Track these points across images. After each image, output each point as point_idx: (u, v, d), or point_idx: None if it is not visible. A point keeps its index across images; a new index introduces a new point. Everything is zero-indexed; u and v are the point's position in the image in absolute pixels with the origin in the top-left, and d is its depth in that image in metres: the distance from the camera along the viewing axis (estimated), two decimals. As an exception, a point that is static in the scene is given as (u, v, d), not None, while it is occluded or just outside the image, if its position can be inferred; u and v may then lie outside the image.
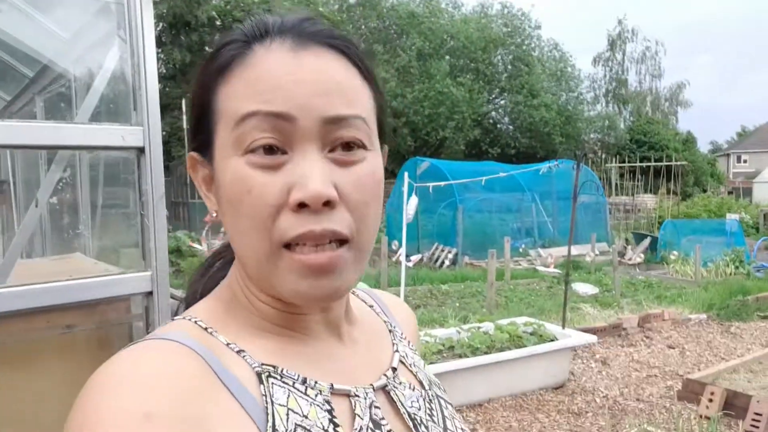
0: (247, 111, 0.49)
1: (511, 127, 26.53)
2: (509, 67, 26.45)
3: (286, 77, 0.50)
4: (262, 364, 0.52)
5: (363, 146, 0.53)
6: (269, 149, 0.50)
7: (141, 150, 1.26)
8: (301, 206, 0.49)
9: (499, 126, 27.08)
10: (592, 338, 5.19)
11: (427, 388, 0.64)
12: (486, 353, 4.51)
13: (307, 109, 0.49)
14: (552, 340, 4.90)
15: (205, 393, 0.47)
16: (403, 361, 0.64)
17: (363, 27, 25.33)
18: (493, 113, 27.16)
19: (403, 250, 4.80)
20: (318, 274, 0.50)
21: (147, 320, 1.29)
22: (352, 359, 0.59)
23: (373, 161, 0.54)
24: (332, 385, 0.54)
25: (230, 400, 0.48)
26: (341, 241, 0.51)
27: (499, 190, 12.77)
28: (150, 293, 1.28)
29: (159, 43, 19.91)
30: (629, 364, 5.48)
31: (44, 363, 1.21)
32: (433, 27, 24.25)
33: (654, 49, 35.32)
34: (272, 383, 0.51)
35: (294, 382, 0.52)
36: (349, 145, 0.51)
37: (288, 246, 0.50)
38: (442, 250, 11.63)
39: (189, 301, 0.62)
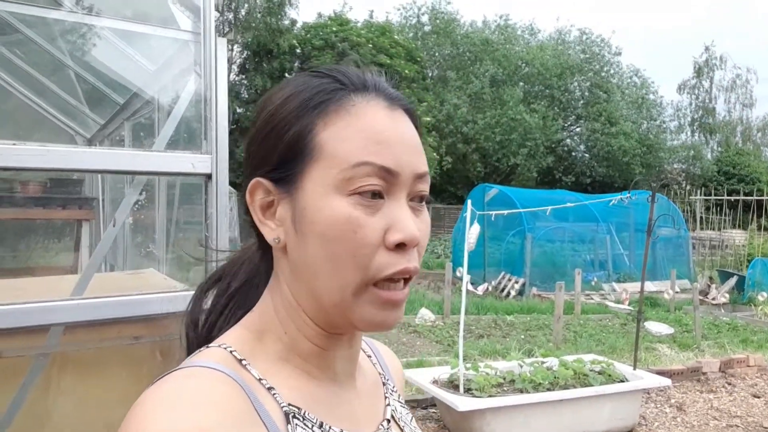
0: (361, 160, 0.55)
1: (587, 155, 25.76)
2: (586, 94, 25.80)
3: (388, 133, 0.56)
4: (289, 404, 0.56)
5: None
6: (374, 194, 0.55)
7: (209, 176, 1.35)
8: (399, 246, 0.55)
9: (574, 154, 26.38)
10: (666, 381, 4.88)
11: None
12: (548, 390, 4.35)
13: (405, 165, 0.57)
14: (621, 381, 4.65)
15: (247, 421, 0.51)
16: (393, 415, 0.68)
17: (437, 54, 25.59)
18: (568, 141, 26.50)
19: (465, 278, 4.76)
20: (392, 308, 0.57)
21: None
22: (356, 405, 0.64)
23: (426, 210, 0.62)
24: (342, 430, 0.58)
25: None
26: (407, 279, 0.57)
27: (572, 219, 12.37)
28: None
29: (243, 69, 21.00)
30: (707, 412, 5.11)
31: (112, 371, 1.31)
32: (507, 54, 24.12)
33: (745, 76, 33.32)
34: (296, 424, 0.55)
35: (313, 425, 0.57)
36: (422, 196, 0.59)
37: (375, 283, 0.56)
38: (509, 280, 11.37)
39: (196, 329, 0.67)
